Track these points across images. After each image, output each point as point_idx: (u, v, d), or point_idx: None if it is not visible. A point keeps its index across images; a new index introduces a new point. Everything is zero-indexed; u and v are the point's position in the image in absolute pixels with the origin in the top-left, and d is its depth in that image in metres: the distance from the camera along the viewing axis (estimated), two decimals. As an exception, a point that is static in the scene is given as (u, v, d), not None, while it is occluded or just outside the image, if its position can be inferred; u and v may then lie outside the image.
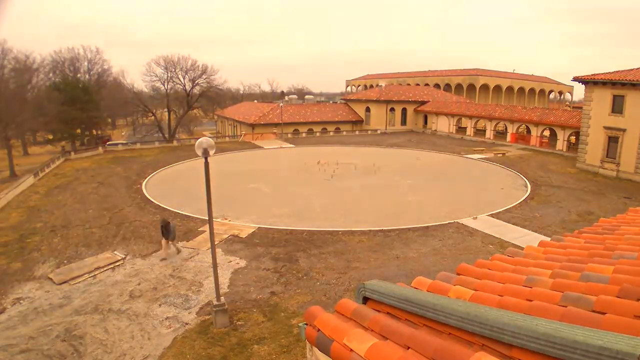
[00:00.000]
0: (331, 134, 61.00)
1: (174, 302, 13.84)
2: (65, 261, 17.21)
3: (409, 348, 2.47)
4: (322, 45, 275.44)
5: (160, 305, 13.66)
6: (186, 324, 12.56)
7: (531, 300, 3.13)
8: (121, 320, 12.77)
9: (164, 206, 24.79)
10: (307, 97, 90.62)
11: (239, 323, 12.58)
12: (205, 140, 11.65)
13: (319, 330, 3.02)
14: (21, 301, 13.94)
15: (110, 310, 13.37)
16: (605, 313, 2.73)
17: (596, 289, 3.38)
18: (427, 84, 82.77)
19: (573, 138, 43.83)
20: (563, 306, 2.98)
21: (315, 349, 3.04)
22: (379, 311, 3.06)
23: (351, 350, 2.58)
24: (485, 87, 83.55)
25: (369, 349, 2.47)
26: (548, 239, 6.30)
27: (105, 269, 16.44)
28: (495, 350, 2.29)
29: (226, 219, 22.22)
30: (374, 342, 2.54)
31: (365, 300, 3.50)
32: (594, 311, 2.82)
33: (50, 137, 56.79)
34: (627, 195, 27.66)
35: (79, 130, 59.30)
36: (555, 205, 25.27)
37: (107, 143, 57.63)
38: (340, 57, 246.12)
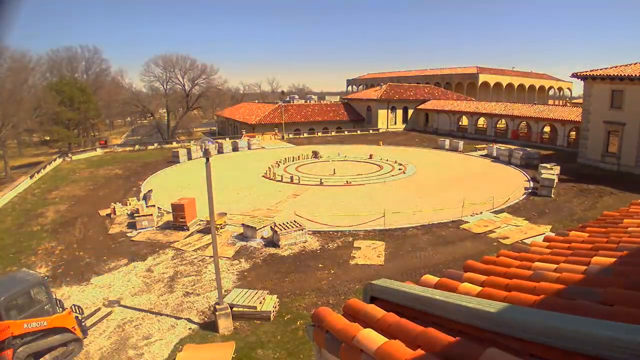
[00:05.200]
0: (333, 133, 60.91)
1: (176, 307, 13.83)
2: (63, 265, 17.09)
3: (419, 347, 2.45)
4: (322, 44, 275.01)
5: (161, 310, 13.65)
6: (190, 328, 12.48)
7: (539, 295, 3.12)
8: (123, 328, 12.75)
9: (165, 209, 24.70)
10: (307, 96, 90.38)
11: (242, 327, 12.49)
12: (205, 140, 11.67)
13: (327, 331, 2.99)
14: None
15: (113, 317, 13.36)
16: (613, 305, 2.72)
17: (603, 281, 3.38)
18: (427, 83, 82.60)
19: (573, 133, 43.78)
20: (571, 299, 2.97)
21: (324, 351, 3.02)
22: (387, 310, 3.04)
23: (361, 350, 2.57)
24: (485, 84, 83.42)
25: (379, 349, 2.45)
26: (552, 234, 6.29)
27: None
28: (506, 346, 2.28)
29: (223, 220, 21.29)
30: (384, 341, 2.52)
31: (373, 299, 3.47)
32: (602, 303, 2.81)
33: (47, 138, 55.78)
34: (629, 188, 27.62)
35: (76, 131, 58.49)
36: (559, 200, 25.26)
37: (104, 145, 57.07)
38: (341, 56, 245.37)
